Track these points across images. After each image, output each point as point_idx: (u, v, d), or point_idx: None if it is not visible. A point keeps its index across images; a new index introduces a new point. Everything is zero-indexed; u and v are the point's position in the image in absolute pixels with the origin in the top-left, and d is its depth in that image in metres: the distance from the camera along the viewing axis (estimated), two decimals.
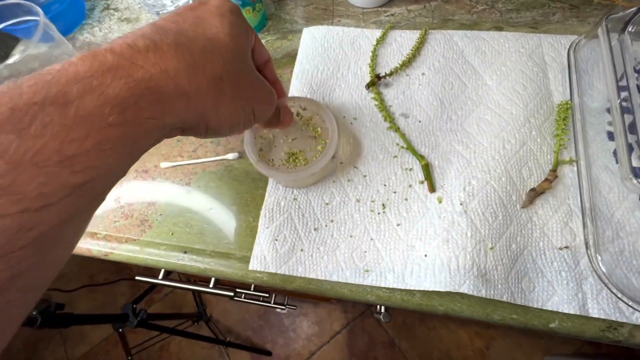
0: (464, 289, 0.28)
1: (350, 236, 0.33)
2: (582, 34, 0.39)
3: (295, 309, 1.13)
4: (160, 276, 0.43)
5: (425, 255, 0.30)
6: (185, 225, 0.35)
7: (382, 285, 0.30)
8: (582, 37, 0.38)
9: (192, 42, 0.18)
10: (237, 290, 0.54)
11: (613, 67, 0.28)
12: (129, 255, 0.35)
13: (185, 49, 0.17)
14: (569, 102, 0.36)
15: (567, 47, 0.39)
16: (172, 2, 0.48)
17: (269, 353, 1.14)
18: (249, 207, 0.35)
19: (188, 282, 0.52)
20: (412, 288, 0.30)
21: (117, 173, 0.16)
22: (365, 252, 0.32)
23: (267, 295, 0.72)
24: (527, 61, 0.39)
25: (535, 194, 0.32)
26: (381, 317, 0.43)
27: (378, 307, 0.39)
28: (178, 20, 0.19)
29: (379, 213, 0.33)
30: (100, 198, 0.16)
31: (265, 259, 0.33)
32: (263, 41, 0.45)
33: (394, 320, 1.18)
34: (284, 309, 0.96)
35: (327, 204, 0.34)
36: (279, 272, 0.32)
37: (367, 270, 0.31)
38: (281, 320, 1.20)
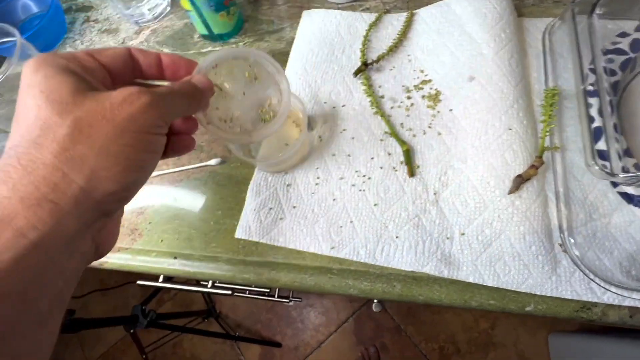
0: (427, 270, 0.30)
1: (329, 212, 0.34)
2: (557, 16, 0.38)
3: (300, 301, 1.15)
4: (161, 279, 0.45)
5: (397, 237, 0.32)
6: (174, 232, 0.37)
7: (355, 259, 0.32)
8: (556, 19, 0.37)
9: None
10: (236, 287, 0.56)
11: (578, 52, 0.28)
12: (122, 264, 0.36)
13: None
14: (557, 88, 0.35)
15: (543, 30, 0.39)
16: (149, 10, 0.49)
17: (278, 345, 1.17)
18: (233, 211, 0.36)
19: (186, 283, 0.53)
20: (380, 264, 0.31)
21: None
22: (341, 227, 0.33)
23: (268, 290, 0.73)
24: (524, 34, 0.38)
25: (521, 180, 0.31)
26: (373, 307, 0.44)
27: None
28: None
29: (360, 190, 0.34)
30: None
31: (250, 228, 0.35)
32: (240, 44, 0.45)
33: (399, 307, 1.20)
34: (289, 302, 0.98)
35: (310, 180, 0.36)
36: (261, 240, 0.34)
37: (341, 245, 0.32)
38: (289, 312, 1.22)
